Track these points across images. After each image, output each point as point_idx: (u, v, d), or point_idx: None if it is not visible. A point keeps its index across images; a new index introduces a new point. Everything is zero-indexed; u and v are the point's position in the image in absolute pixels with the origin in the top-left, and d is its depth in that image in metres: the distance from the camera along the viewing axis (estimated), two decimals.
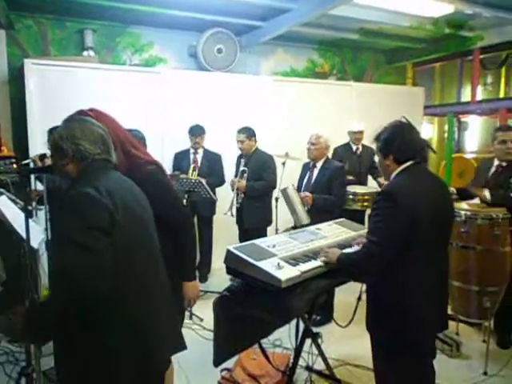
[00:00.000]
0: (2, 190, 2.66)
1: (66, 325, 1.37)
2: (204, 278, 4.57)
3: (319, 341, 2.56)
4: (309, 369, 2.67)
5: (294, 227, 3.45)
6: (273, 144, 4.72)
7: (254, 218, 4.11)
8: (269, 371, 2.62)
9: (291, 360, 2.63)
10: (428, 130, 7.47)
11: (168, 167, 4.36)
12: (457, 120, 7.11)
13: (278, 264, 1.88)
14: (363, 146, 4.59)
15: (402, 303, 1.80)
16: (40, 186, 3.13)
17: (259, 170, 4.08)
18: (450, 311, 2.57)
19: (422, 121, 6.35)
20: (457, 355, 3.04)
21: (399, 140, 1.89)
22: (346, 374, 2.79)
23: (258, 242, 2.16)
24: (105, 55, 5.22)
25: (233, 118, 4.82)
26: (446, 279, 1.99)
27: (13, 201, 2.47)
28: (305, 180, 3.61)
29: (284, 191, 3.49)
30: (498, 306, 2.93)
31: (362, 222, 4.04)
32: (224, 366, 2.29)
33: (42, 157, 2.83)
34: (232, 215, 4.13)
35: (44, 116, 4.03)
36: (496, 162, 3.19)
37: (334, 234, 2.45)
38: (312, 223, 3.00)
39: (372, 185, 4.67)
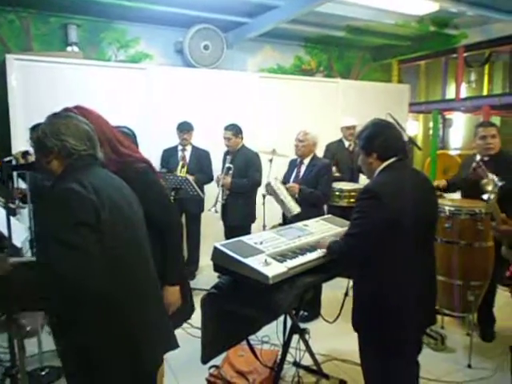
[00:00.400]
0: None
1: (57, 322, 1.36)
2: (192, 276, 4.55)
3: (307, 336, 2.58)
4: (296, 364, 2.69)
5: (282, 224, 3.46)
6: (260, 141, 4.72)
7: (237, 215, 4.12)
8: (257, 367, 2.63)
9: (279, 356, 2.64)
10: (413, 127, 7.56)
11: (155, 164, 4.32)
12: (441, 117, 7.21)
13: (266, 260, 1.88)
14: (355, 142, 4.62)
15: (384, 301, 1.82)
16: (22, 184, 3.08)
17: (245, 167, 4.08)
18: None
19: (407, 118, 6.42)
20: (442, 348, 3.09)
21: (381, 137, 1.91)
22: (334, 369, 2.81)
23: (245, 238, 2.16)
24: (89, 51, 5.14)
25: (219, 114, 4.81)
26: (434, 275, 2.01)
27: None
28: (292, 176, 3.62)
29: (268, 185, 3.50)
30: (481, 299, 2.99)
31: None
32: (212, 363, 2.28)
33: (25, 154, 2.79)
34: (216, 211, 4.13)
35: (27, 113, 3.96)
36: (478, 158, 3.25)
37: (320, 230, 2.46)
38: (299, 217, 3.02)
39: (363, 182, 4.70)
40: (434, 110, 6.62)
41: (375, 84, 6.43)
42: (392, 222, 1.75)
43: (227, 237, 4.25)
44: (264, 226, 3.94)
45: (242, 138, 4.21)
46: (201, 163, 4.43)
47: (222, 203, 4.16)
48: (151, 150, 4.50)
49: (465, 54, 6.38)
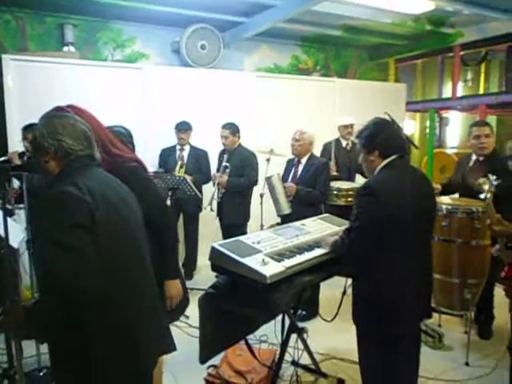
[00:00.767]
0: None
1: (56, 324, 1.36)
2: (190, 276, 4.55)
3: (305, 336, 2.58)
4: (295, 363, 2.69)
5: (280, 223, 3.46)
6: (257, 140, 4.72)
7: (232, 214, 4.13)
8: (255, 367, 2.63)
9: (277, 355, 2.64)
10: (410, 126, 7.58)
11: (152, 164, 4.32)
12: (438, 116, 7.23)
13: (263, 260, 1.88)
14: (353, 142, 4.63)
15: (383, 297, 1.84)
16: (16, 184, 3.07)
17: (241, 167, 4.08)
18: (432, 303, 2.62)
19: (404, 117, 6.43)
20: (439, 346, 3.10)
21: (382, 135, 1.94)
22: (332, 368, 2.82)
23: (242, 238, 2.16)
24: (86, 51, 5.12)
25: (216, 114, 4.80)
26: (430, 270, 2.03)
27: None
28: (290, 176, 3.62)
29: (268, 179, 3.51)
30: (479, 297, 3.00)
31: (349, 218, 4.06)
32: (210, 362, 2.28)
33: (22, 154, 2.78)
34: (212, 210, 4.13)
35: (23, 113, 3.94)
36: (474, 157, 3.26)
37: (318, 229, 2.46)
38: (296, 216, 3.02)
39: (359, 181, 4.70)
40: (430, 109, 6.63)
41: (372, 83, 6.44)
42: (390, 219, 1.77)
43: (224, 236, 4.26)
44: (262, 226, 3.93)
45: (239, 137, 4.21)
46: (199, 163, 4.43)
47: (217, 201, 4.16)
48: (148, 150, 4.50)
49: (461, 53, 6.39)
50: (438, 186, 3.31)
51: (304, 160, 3.58)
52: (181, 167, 4.30)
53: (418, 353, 2.04)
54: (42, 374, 2.72)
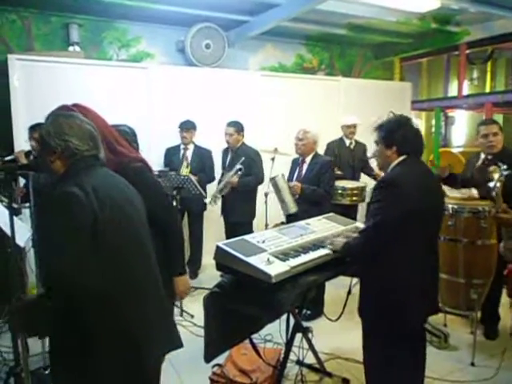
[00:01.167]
0: None
1: (60, 322, 1.37)
2: (194, 275, 4.55)
3: (310, 335, 2.58)
4: (299, 363, 2.69)
5: (285, 222, 3.46)
6: (261, 139, 4.72)
7: (238, 212, 4.14)
8: (260, 366, 2.63)
9: (282, 355, 2.64)
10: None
11: (156, 163, 4.33)
12: (444, 115, 7.18)
13: (268, 259, 1.88)
14: (356, 141, 4.62)
15: (392, 292, 1.85)
16: (23, 183, 3.08)
17: (247, 165, 4.08)
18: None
19: (409, 115, 6.39)
20: (445, 346, 3.09)
21: (403, 131, 1.94)
22: (337, 368, 2.81)
23: (247, 237, 2.16)
24: (91, 50, 5.14)
25: (221, 113, 4.80)
26: (437, 268, 2.04)
27: None
28: (295, 175, 3.62)
29: (273, 180, 3.51)
30: (485, 297, 2.98)
31: (354, 217, 4.06)
32: (215, 361, 2.29)
33: (28, 154, 2.79)
34: (215, 203, 4.14)
35: (29, 113, 3.97)
36: (482, 156, 3.23)
37: (323, 228, 2.45)
38: (301, 215, 3.02)
39: (364, 180, 4.69)
40: (436, 108, 6.60)
41: (377, 82, 6.41)
42: (410, 212, 1.77)
43: (228, 234, 4.26)
44: (266, 225, 3.93)
45: (243, 136, 4.22)
46: (203, 162, 4.44)
47: (219, 198, 4.17)
48: (152, 149, 4.51)
49: (467, 51, 6.35)
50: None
51: (308, 159, 3.57)
52: (187, 167, 4.30)
53: (423, 352, 2.04)
54: (47, 372, 2.73)
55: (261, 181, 4.14)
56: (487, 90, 7.32)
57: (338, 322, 2.48)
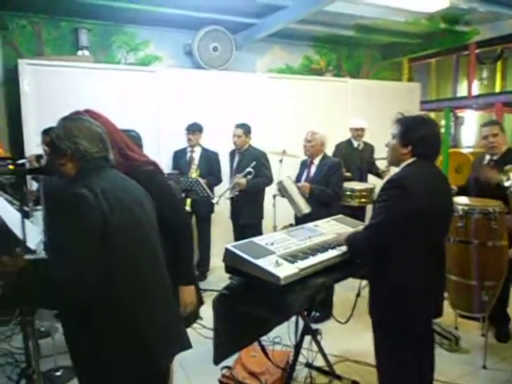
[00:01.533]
0: None
1: (69, 322, 1.39)
2: (203, 276, 4.57)
3: (319, 337, 2.56)
4: (309, 365, 2.68)
5: (294, 224, 3.46)
6: (269, 141, 4.71)
7: (246, 214, 4.15)
8: (269, 368, 2.62)
9: (291, 357, 2.64)
10: None
11: (165, 166, 4.35)
12: (453, 115, 7.13)
13: (277, 261, 1.88)
14: (364, 142, 4.61)
15: (401, 292, 1.84)
16: (35, 187, 3.11)
17: (255, 167, 4.08)
18: (448, 306, 2.59)
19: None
20: (456, 349, 3.05)
21: (423, 133, 1.87)
22: (346, 370, 2.79)
23: (256, 239, 2.15)
24: (100, 54, 5.20)
25: (229, 115, 4.82)
26: (444, 270, 2.02)
27: (9, 202, 2.46)
28: (303, 177, 3.61)
29: (280, 183, 3.52)
30: (496, 299, 2.95)
31: (363, 219, 4.04)
32: (224, 363, 2.29)
33: (39, 157, 2.82)
34: (217, 203, 4.16)
35: (39, 117, 4.01)
36: (487, 157, 3.23)
37: (332, 230, 2.44)
38: (310, 217, 3.01)
39: (372, 181, 4.67)
40: (445, 108, 6.54)
41: (385, 83, 6.38)
42: (417, 213, 1.76)
43: (237, 236, 4.27)
44: (275, 227, 3.93)
45: (250, 138, 4.24)
46: (210, 165, 4.45)
47: (227, 198, 4.18)
48: (161, 152, 4.54)
49: (476, 51, 6.30)
50: (453, 187, 3.28)
51: (317, 161, 3.57)
52: (196, 170, 4.31)
53: (432, 353, 2.02)
54: (58, 373, 2.76)
55: (269, 182, 4.15)
56: (497, 89, 7.25)
57: (347, 325, 2.46)
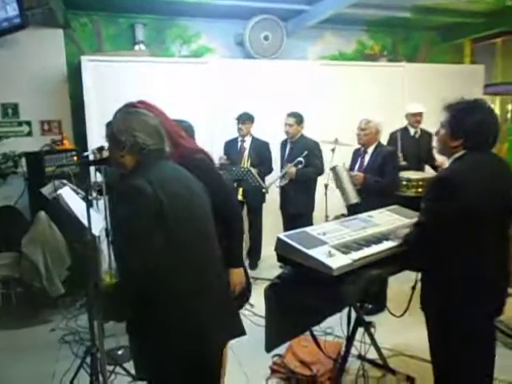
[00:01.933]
0: (65, 181, 2.83)
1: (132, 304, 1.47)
2: (254, 265, 4.63)
3: (372, 330, 2.52)
4: (361, 358, 2.64)
5: (346, 214, 3.40)
6: (321, 130, 4.64)
7: (298, 204, 4.13)
8: (320, 358, 2.62)
9: (343, 348, 2.61)
10: None
11: (217, 156, 4.42)
12: None
13: (329, 252, 1.86)
14: (422, 130, 4.41)
15: (455, 289, 1.76)
16: (100, 178, 3.29)
17: (306, 156, 4.05)
18: None
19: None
20: None
21: (476, 121, 1.70)
22: (400, 365, 2.72)
23: (308, 229, 2.14)
24: (155, 48, 5.35)
25: (280, 105, 4.78)
26: (507, 265, 1.89)
27: (75, 191, 2.63)
28: (356, 166, 3.54)
29: (333, 169, 3.47)
30: None
31: (418, 209, 3.88)
32: (275, 351, 2.31)
33: (100, 149, 2.97)
34: (267, 191, 4.17)
35: (101, 110, 4.22)
36: None
37: (386, 221, 2.37)
38: (364, 207, 2.94)
39: (429, 171, 4.47)
40: None
41: (444, 66, 6.03)
42: (467, 211, 1.66)
43: (286, 226, 4.27)
44: (327, 217, 3.89)
45: (302, 127, 4.20)
46: (260, 154, 4.46)
47: (277, 186, 4.18)
48: (214, 143, 4.62)
49: None
50: None
51: (370, 149, 3.47)
52: (247, 160, 4.35)
53: (493, 352, 1.92)
54: (120, 352, 2.93)
55: (321, 172, 4.09)
56: None
57: (402, 318, 2.38)
